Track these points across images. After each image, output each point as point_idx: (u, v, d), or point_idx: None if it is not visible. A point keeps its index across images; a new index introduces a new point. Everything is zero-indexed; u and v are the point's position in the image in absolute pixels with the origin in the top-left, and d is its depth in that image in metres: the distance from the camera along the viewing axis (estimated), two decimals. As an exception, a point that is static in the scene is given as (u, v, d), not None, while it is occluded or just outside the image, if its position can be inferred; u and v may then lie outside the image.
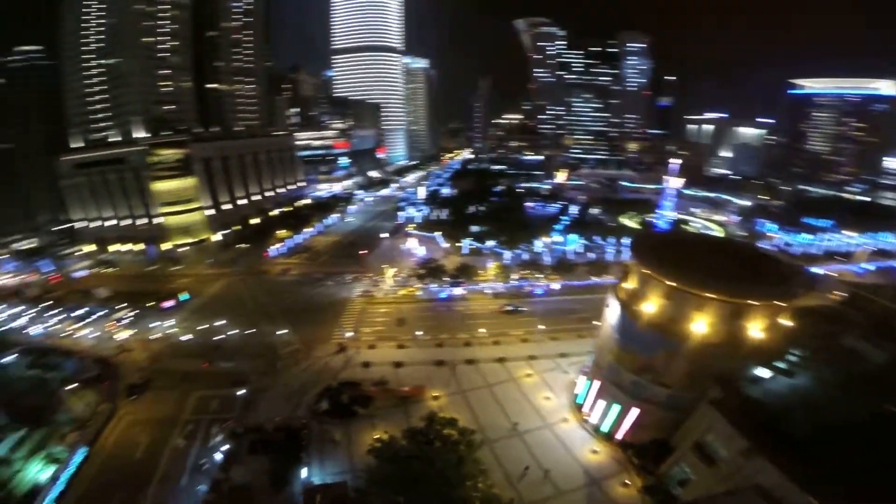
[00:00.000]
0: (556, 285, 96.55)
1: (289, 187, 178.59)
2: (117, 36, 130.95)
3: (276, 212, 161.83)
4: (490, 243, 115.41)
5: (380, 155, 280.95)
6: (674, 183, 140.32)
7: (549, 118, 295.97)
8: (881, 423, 30.04)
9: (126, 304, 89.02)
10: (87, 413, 56.72)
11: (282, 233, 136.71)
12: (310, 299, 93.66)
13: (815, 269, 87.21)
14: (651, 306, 46.97)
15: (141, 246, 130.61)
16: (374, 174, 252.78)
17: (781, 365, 37.27)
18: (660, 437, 46.05)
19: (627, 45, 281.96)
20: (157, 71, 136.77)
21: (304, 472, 44.71)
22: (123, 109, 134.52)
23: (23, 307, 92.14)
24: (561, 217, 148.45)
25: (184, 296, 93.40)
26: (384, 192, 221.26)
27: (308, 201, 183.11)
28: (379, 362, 66.91)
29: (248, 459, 45.89)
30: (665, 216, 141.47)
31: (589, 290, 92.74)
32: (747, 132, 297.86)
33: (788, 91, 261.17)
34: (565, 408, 56.77)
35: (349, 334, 76.12)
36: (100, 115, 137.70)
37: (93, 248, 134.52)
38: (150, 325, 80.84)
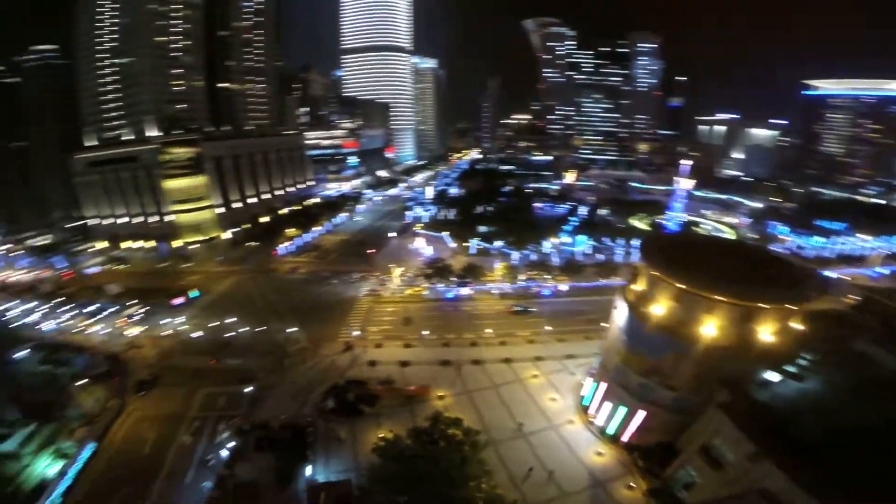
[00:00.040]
0: (563, 286, 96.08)
1: (298, 186, 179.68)
2: (130, 35, 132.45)
3: (285, 210, 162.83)
4: (498, 243, 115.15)
5: (388, 154, 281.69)
6: (684, 184, 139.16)
7: (559, 118, 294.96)
8: (892, 429, 29.50)
9: (137, 301, 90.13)
10: (96, 409, 57.41)
11: (291, 231, 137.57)
12: (317, 297, 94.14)
13: (827, 273, 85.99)
14: (659, 308, 46.60)
15: (152, 243, 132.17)
16: (382, 174, 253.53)
17: (791, 369, 36.75)
18: (666, 440, 45.66)
19: (638, 45, 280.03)
20: (170, 70, 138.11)
21: (308, 470, 44.93)
22: (136, 108, 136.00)
23: (36, 303, 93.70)
24: (569, 218, 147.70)
25: (193, 293, 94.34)
26: (392, 191, 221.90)
27: (317, 200, 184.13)
28: (385, 361, 67.03)
29: (254, 456, 46.13)
30: (675, 218, 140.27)
31: (597, 292, 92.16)
32: (760, 133, 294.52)
33: (802, 92, 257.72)
34: (571, 409, 56.47)
35: (356, 333, 76.41)
36: (113, 114, 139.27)
37: (105, 244, 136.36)
38: (160, 322, 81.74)
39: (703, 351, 42.78)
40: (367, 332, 77.07)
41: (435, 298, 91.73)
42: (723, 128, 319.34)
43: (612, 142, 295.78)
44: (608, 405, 51.34)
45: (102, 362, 68.31)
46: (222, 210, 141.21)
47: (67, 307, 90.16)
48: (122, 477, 46.87)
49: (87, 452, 49.36)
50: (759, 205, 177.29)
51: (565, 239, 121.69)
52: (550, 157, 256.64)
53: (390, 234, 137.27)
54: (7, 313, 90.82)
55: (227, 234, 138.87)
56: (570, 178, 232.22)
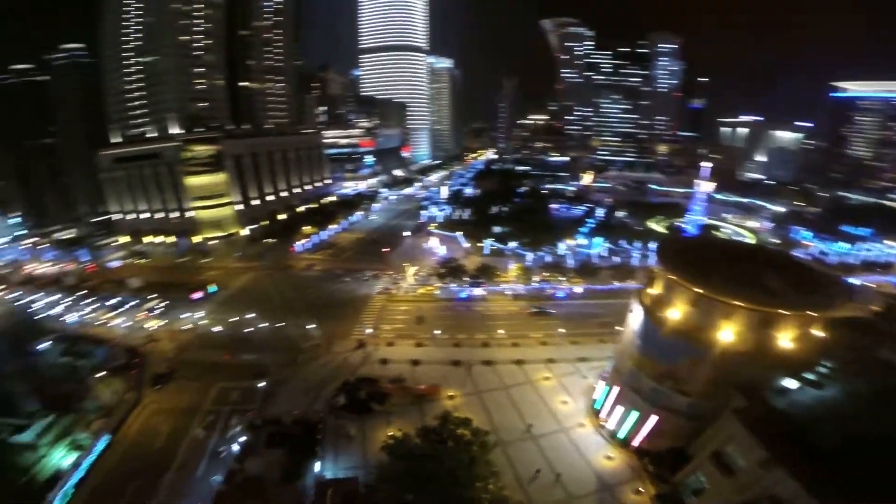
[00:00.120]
0: (578, 289, 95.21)
1: (315, 184, 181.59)
2: (154, 34, 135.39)
3: (302, 208, 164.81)
4: (512, 244, 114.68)
5: (404, 154, 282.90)
6: (705, 187, 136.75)
7: (576, 119, 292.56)
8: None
9: (157, 295, 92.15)
10: (113, 401, 58.64)
11: (307, 229, 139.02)
12: (332, 295, 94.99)
13: (851, 280, 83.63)
14: (676, 313, 45.89)
15: (172, 238, 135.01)
16: (398, 173, 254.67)
17: (810, 376, 35.81)
18: (677, 446, 44.94)
19: (658, 45, 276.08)
20: (192, 69, 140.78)
21: (317, 466, 45.32)
22: (160, 106, 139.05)
23: (60, 295, 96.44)
24: (586, 220, 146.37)
25: (212, 288, 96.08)
26: (408, 190, 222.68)
27: (333, 198, 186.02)
28: (397, 360, 67.31)
29: (265, 452, 46.68)
30: (694, 221, 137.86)
31: (612, 295, 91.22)
32: (784, 136, 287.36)
33: (830, 94, 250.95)
34: (582, 412, 55.91)
35: (369, 331, 76.85)
36: (137, 112, 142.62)
37: (127, 239, 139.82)
38: (179, 316, 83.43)
39: (719, 356, 41.99)
40: (380, 331, 77.46)
41: (448, 298, 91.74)
42: (745, 130, 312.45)
43: (631, 143, 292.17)
44: (620, 409, 50.72)
45: (121, 355, 69.87)
46: (241, 207, 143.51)
47: (90, 300, 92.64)
48: (135, 469, 47.82)
49: (101, 444, 50.37)
50: (782, 209, 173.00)
51: (581, 241, 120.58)
52: (567, 158, 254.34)
53: (405, 234, 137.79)
54: (32, 305, 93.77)
55: (246, 231, 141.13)
56: (587, 179, 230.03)
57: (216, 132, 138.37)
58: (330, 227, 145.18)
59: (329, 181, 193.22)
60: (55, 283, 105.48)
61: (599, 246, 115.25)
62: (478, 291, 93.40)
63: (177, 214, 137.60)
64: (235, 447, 48.67)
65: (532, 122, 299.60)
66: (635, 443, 48.81)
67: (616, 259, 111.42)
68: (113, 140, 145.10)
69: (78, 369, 63.73)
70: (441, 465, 37.69)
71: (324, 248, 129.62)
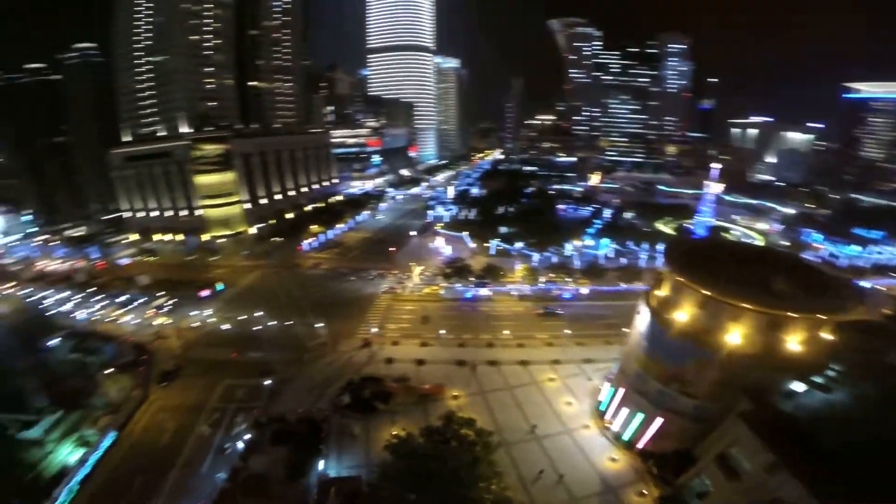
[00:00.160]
0: (584, 290, 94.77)
1: (323, 183, 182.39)
2: (165, 34, 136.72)
3: (309, 207, 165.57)
4: (518, 245, 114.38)
5: (411, 154, 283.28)
6: (714, 188, 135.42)
7: (584, 119, 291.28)
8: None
9: (165, 292, 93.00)
10: (120, 398, 59.29)
11: (315, 228, 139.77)
12: (338, 294, 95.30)
13: (862, 283, 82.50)
14: (683, 315, 45.49)
15: (181, 236, 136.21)
16: (405, 172, 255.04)
17: (818, 379, 35.36)
18: (682, 448, 44.59)
19: (668, 46, 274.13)
20: (202, 68, 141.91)
21: (321, 465, 45.49)
22: (170, 105, 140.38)
23: (70, 292, 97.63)
24: (593, 220, 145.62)
25: (219, 286, 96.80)
26: (414, 190, 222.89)
27: (340, 198, 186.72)
28: (401, 359, 67.42)
29: (269, 449, 46.91)
30: (703, 222, 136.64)
31: (619, 297, 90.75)
32: (795, 137, 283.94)
33: (843, 95, 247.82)
34: (587, 414, 55.66)
35: (374, 330, 77.04)
36: (148, 111, 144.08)
37: (137, 237, 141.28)
38: (187, 314, 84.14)
39: (726, 359, 41.58)
40: (385, 330, 77.63)
41: (453, 298, 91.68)
42: (755, 131, 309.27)
43: (640, 144, 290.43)
44: (625, 411, 50.44)
45: (129, 352, 70.64)
46: (249, 206, 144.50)
47: (100, 297, 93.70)
48: (140, 466, 48.22)
49: (108, 441, 50.86)
50: (792, 211, 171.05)
51: (588, 242, 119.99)
52: (574, 159, 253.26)
53: (411, 233, 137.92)
54: (43, 302, 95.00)
55: (253, 230, 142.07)
56: (594, 180, 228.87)
57: (225, 131, 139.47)
58: (337, 226, 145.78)
59: (336, 180, 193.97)
60: (66, 279, 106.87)
61: (606, 247, 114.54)
62: (483, 292, 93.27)
63: (186, 213, 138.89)
64: (240, 445, 48.94)
65: (539, 122, 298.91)
66: (640, 445, 48.50)
67: (623, 260, 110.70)
68: (124, 139, 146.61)
69: (87, 366, 64.47)
70: (444, 465, 37.64)
71: (331, 247, 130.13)
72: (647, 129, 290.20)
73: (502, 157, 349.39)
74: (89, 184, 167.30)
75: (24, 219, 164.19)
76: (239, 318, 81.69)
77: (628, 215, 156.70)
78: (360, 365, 66.57)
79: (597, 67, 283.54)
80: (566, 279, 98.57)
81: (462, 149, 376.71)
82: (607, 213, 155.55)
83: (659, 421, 46.67)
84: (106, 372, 63.35)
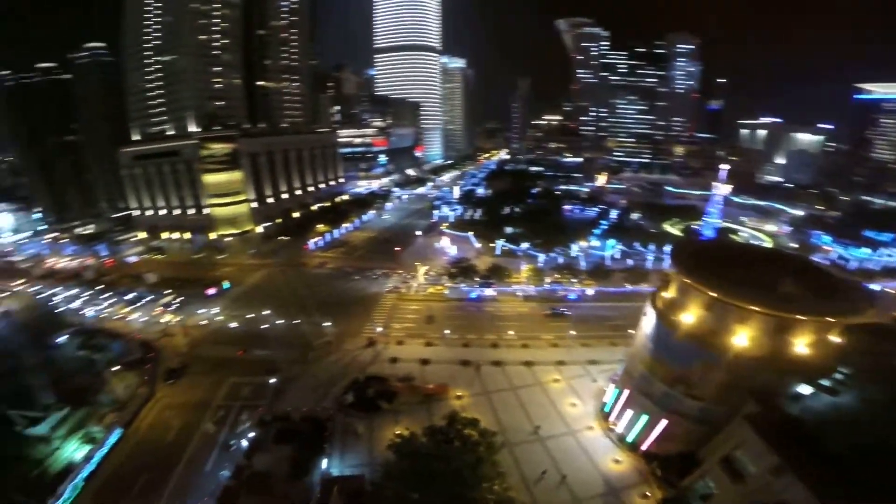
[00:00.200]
0: (590, 291, 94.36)
1: (329, 183, 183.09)
2: (174, 34, 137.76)
3: (316, 207, 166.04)
4: (524, 245, 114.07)
5: (417, 153, 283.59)
6: (722, 189, 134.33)
7: (591, 119, 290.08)
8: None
9: (172, 290, 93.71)
10: (126, 395, 59.82)
11: (321, 227, 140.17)
12: (343, 293, 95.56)
13: (872, 286, 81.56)
14: (690, 317, 45.26)
15: (188, 234, 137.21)
16: (411, 172, 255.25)
17: (825, 382, 34.99)
18: (687, 451, 44.31)
19: (676, 46, 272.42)
20: (210, 68, 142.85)
21: (324, 463, 45.63)
22: (178, 105, 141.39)
23: (79, 289, 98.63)
24: (599, 221, 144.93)
25: (226, 284, 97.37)
26: (420, 190, 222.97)
27: (347, 197, 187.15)
28: (406, 358, 67.50)
29: (273, 447, 47.07)
30: (711, 224, 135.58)
31: (624, 298, 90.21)
32: (804, 138, 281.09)
33: (855, 96, 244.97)
34: (591, 415, 55.42)
35: (379, 329, 77.19)
36: (157, 110, 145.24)
37: (145, 235, 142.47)
38: (194, 312, 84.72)
39: (732, 361, 41.33)
40: (390, 329, 77.75)
41: (458, 298, 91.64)
42: (764, 132, 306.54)
43: (647, 144, 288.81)
44: (630, 413, 50.22)
45: (136, 349, 71.29)
46: (256, 205, 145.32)
47: (108, 294, 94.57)
48: (145, 463, 48.51)
49: (113, 438, 51.16)
50: (801, 212, 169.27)
51: (594, 243, 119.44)
52: (581, 159, 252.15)
53: (417, 233, 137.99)
54: (53, 298, 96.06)
55: (260, 229, 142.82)
56: (601, 180, 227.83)
57: (233, 130, 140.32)
58: (343, 225, 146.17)
59: (342, 180, 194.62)
60: (75, 277, 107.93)
61: (613, 248, 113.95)
62: (488, 292, 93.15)
63: (193, 211, 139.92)
64: (245, 443, 49.16)
65: (546, 122, 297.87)
66: (644, 447, 48.24)
67: (629, 262, 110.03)
68: (133, 137, 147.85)
69: (94, 363, 64.98)
70: (447, 465, 37.60)
71: (336, 247, 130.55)
72: (655, 129, 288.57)
73: (508, 157, 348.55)
74: (99, 182, 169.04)
75: (34, 216, 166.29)
76: (245, 317, 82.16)
77: (635, 216, 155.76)
78: (365, 364, 66.73)
79: (604, 67, 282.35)
80: (572, 280, 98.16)
81: (468, 149, 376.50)
82: (614, 213, 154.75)
83: (664, 423, 46.45)
84: (113, 369, 63.87)
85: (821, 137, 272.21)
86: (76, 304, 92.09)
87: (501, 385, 61.52)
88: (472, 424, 44.69)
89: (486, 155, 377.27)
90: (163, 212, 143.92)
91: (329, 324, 78.13)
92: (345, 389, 59.25)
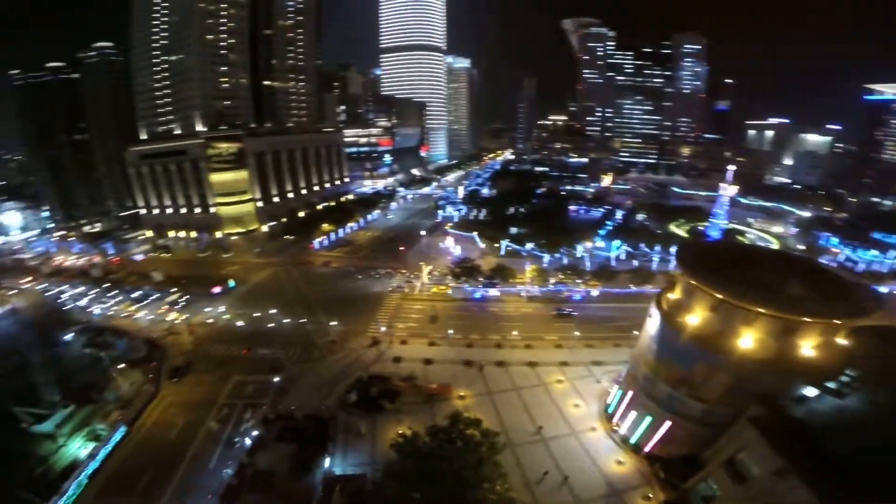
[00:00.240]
0: (595, 292, 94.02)
1: (335, 182, 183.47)
2: (181, 33, 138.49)
3: (321, 206, 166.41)
4: (529, 246, 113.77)
5: (422, 153, 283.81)
6: (729, 190, 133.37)
7: (597, 120, 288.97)
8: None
9: (178, 289, 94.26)
10: (131, 392, 60.17)
11: (326, 226, 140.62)
12: (348, 292, 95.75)
13: (880, 288, 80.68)
14: (695, 318, 44.98)
15: (194, 233, 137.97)
16: (416, 172, 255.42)
17: (832, 385, 34.66)
18: (690, 453, 44.06)
19: (683, 46, 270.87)
20: (217, 67, 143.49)
21: (326, 462, 45.71)
22: (185, 104, 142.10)
23: (86, 287, 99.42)
24: (605, 222, 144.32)
25: (231, 283, 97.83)
26: (425, 190, 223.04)
27: (352, 197, 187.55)
28: (409, 358, 67.55)
29: (276, 446, 47.16)
30: (717, 225, 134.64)
31: (629, 299, 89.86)
32: (812, 139, 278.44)
33: (864, 97, 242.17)
34: (594, 416, 55.21)
35: (383, 328, 77.28)
36: (164, 109, 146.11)
37: (151, 233, 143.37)
38: (199, 310, 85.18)
39: (737, 363, 41.03)
40: (394, 328, 77.80)
41: (462, 298, 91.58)
42: (772, 132, 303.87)
43: (653, 145, 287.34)
44: (633, 414, 49.99)
45: (142, 347, 71.71)
46: (262, 204, 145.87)
47: (114, 292, 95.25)
48: (149, 461, 48.72)
49: (118, 435, 51.39)
50: (809, 214, 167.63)
51: (599, 243, 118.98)
52: (586, 160, 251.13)
53: (421, 233, 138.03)
54: (60, 296, 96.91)
55: (266, 227, 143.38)
56: (606, 181, 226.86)
57: (239, 130, 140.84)
58: (348, 224, 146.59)
59: (348, 179, 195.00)
60: (82, 274, 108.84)
61: (618, 249, 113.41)
62: (492, 292, 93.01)
63: (200, 210, 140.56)
64: (248, 441, 49.33)
65: (552, 122, 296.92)
66: (647, 448, 48.06)
67: (635, 263, 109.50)
68: (141, 137, 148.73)
69: (100, 360, 65.46)
70: (449, 465, 37.63)
71: (341, 246, 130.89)
72: (661, 130, 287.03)
73: (513, 157, 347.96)
74: (106, 181, 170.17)
75: (42, 214, 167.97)
76: (250, 315, 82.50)
77: (640, 217, 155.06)
78: (368, 363, 66.85)
79: (610, 68, 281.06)
80: (576, 281, 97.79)
81: (473, 149, 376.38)
82: (619, 214, 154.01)
83: (667, 424, 46.20)
84: (118, 367, 64.28)
85: (829, 138, 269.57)
86: (83, 301, 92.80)
87: (504, 385, 61.40)
88: (475, 424, 44.73)
89: (491, 155, 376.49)
90: (169, 210, 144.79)
91: (333, 323, 78.25)
92: (348, 388, 59.36)
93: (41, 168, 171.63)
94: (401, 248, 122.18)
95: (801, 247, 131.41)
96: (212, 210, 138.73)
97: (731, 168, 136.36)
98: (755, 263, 51.44)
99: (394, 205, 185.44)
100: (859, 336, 39.99)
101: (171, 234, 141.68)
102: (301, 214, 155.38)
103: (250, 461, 45.35)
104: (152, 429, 54.31)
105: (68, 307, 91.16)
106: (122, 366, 64.98)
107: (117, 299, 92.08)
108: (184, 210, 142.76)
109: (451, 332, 75.16)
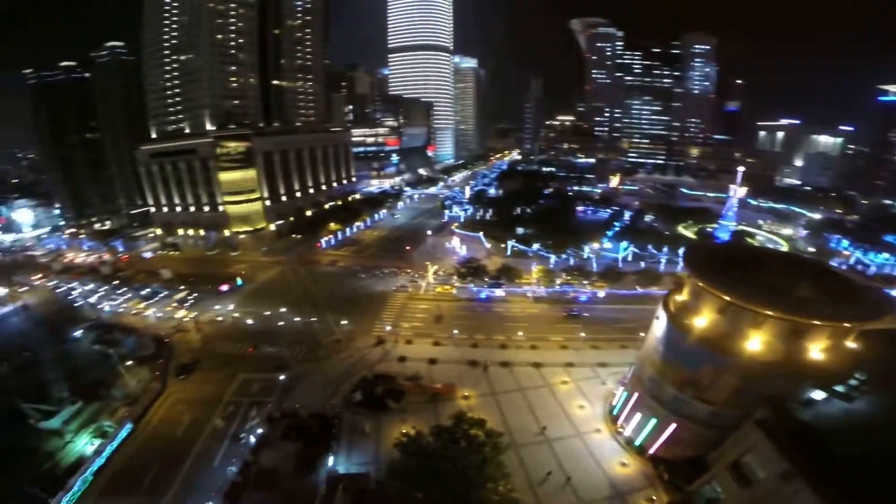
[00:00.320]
0: (601, 293, 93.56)
1: (342, 182, 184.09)
2: (191, 33, 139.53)
3: (328, 205, 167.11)
4: (535, 246, 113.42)
5: (429, 153, 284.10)
6: (738, 192, 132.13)
7: (605, 120, 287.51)
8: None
9: (186, 286, 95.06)
10: (138, 389, 60.73)
11: (333, 225, 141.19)
12: (354, 291, 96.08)
13: (892, 292, 79.48)
14: (702, 320, 44.64)
15: (202, 231, 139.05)
16: (422, 172, 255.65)
17: (840, 388, 34.20)
18: (695, 455, 43.69)
19: (693, 46, 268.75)
20: (227, 67, 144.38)
21: (330, 461, 45.84)
22: (195, 103, 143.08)
23: (95, 284, 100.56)
24: (612, 223, 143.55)
25: (239, 281, 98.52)
26: (431, 189, 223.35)
27: (359, 196, 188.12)
28: (414, 357, 67.60)
29: (280, 444, 47.41)
30: (726, 227, 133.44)
31: (635, 300, 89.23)
32: (824, 140, 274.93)
33: (878, 98, 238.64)
34: (599, 418, 54.93)
35: (388, 328, 77.42)
36: (174, 108, 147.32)
37: (160, 231, 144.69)
38: (207, 308, 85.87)
39: (745, 366, 40.68)
40: (399, 328, 77.92)
41: (468, 298, 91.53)
42: (782, 133, 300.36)
43: (661, 145, 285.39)
44: (638, 416, 49.67)
45: (150, 345, 72.32)
46: (269, 202, 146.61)
47: (124, 289, 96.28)
48: (155, 457, 49.05)
49: (124, 432, 51.75)
50: (819, 216, 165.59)
51: (607, 244, 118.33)
52: (594, 160, 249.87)
53: (428, 232, 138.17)
54: (71, 293, 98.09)
55: (273, 226, 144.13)
56: (614, 181, 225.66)
57: (248, 129, 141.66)
58: (355, 224, 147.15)
59: (355, 179, 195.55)
60: (92, 272, 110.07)
61: (625, 250, 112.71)
62: (498, 292, 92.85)
63: (208, 208, 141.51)
64: (252, 439, 49.60)
65: (559, 122, 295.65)
66: (652, 450, 47.71)
67: (642, 264, 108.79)
68: (151, 135, 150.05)
69: (109, 357, 66.14)
70: (453, 465, 37.60)
71: (348, 245, 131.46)
72: (670, 130, 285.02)
73: (520, 157, 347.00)
74: (117, 179, 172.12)
75: (54, 212, 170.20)
76: (257, 314, 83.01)
77: (648, 218, 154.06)
78: (373, 362, 67.02)
79: (619, 68, 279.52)
80: (583, 282, 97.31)
81: (479, 149, 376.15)
82: (627, 215, 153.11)
83: (672, 426, 45.86)
84: (126, 364, 64.91)
85: (841, 139, 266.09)
86: (93, 298, 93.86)
87: (509, 386, 61.26)
88: (479, 425, 44.67)
89: (498, 155, 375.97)
90: (178, 209, 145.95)
91: (344, 322, 78.44)
92: (353, 387, 59.50)
93: (53, 166, 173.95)
94: (407, 248, 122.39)
95: (812, 249, 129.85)
96: (220, 208, 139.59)
97: (741, 169, 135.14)
98: (764, 265, 50.99)
99: (400, 204, 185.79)
100: (869, 339, 39.46)
101: (180, 232, 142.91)
102: (308, 213, 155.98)
103: (255, 459, 45.62)
104: (158, 426, 54.73)
105: (78, 304, 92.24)
106: (130, 363, 65.62)
107: (126, 296, 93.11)
108: (193, 208, 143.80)
109: (456, 332, 75.11)
